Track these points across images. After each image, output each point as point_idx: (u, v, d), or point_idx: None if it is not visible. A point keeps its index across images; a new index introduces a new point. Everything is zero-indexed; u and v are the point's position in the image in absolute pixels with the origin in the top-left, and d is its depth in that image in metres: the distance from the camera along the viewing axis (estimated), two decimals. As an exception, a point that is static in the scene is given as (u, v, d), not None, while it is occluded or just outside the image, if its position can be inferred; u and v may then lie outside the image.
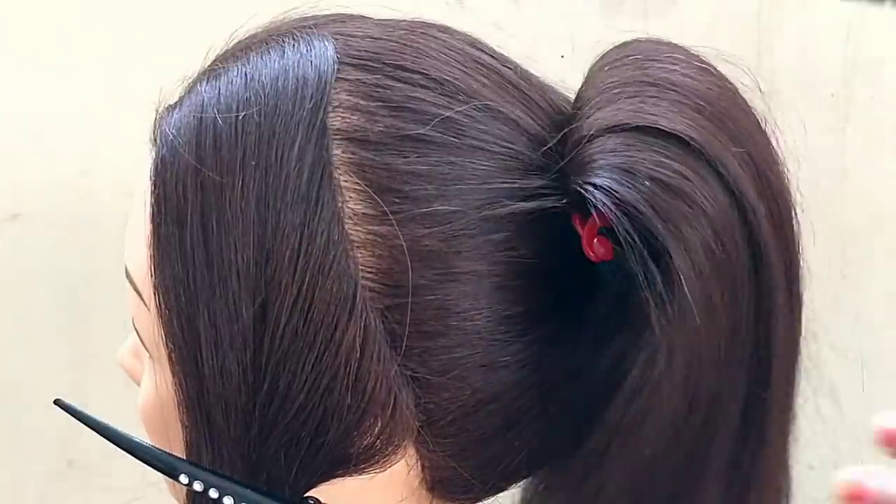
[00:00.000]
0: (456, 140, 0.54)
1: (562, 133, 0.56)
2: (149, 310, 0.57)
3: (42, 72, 0.97)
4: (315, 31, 0.57)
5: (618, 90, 0.55)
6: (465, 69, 0.56)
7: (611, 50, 0.58)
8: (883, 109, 1.01)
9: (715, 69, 0.57)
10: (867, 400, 1.00)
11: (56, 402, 0.60)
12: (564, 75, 0.62)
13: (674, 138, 0.53)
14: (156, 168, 0.56)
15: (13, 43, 0.97)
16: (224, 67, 0.57)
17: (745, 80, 0.88)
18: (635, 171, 0.52)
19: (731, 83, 0.57)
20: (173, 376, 0.55)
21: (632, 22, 0.99)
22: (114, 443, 0.57)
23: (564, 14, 0.99)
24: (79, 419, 0.59)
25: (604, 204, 0.52)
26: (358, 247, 0.53)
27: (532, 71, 0.60)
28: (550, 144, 0.56)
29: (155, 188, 0.56)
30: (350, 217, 0.53)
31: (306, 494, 0.55)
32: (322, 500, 0.56)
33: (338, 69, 0.55)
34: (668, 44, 0.57)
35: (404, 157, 0.53)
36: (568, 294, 0.56)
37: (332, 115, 0.54)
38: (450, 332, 0.54)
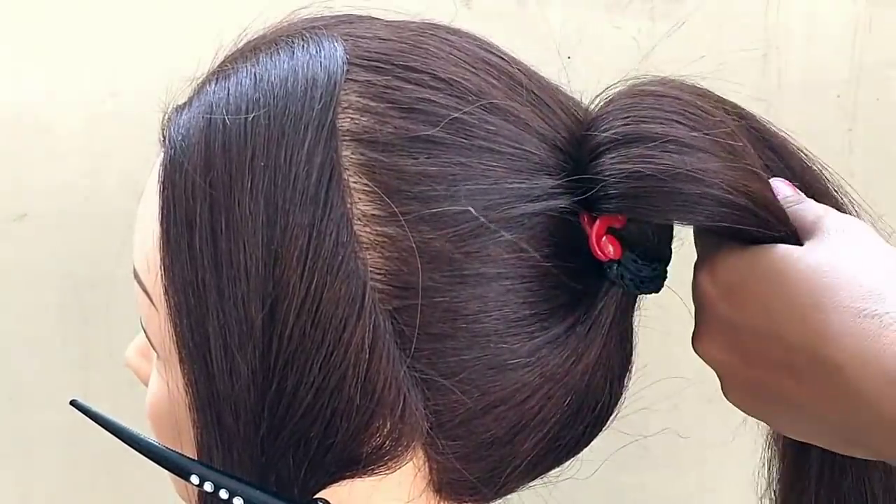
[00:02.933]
0: (465, 141, 0.54)
1: (573, 134, 0.56)
2: (157, 310, 0.57)
3: (49, 72, 0.97)
4: (324, 31, 0.57)
5: (636, 103, 0.56)
6: (474, 70, 0.56)
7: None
8: (889, 111, 1.01)
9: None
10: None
11: (72, 402, 0.60)
12: (570, 76, 0.62)
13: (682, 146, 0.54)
14: (165, 169, 0.56)
15: (20, 43, 0.97)
16: (233, 68, 0.57)
17: (751, 81, 0.88)
18: (647, 176, 0.53)
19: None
20: (183, 377, 0.55)
21: (638, 23, 0.99)
22: (128, 443, 0.58)
23: (570, 15, 0.98)
24: (94, 420, 0.59)
25: (617, 208, 0.53)
26: (367, 248, 0.53)
27: (538, 72, 0.60)
28: (561, 145, 0.56)
29: (164, 189, 0.56)
30: (359, 218, 0.53)
31: (316, 496, 0.55)
32: (331, 501, 0.56)
33: (347, 70, 0.55)
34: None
35: (413, 158, 0.53)
36: (577, 296, 0.56)
37: (341, 116, 0.54)
38: (458, 335, 0.54)
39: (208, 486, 0.55)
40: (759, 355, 0.55)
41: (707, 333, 0.57)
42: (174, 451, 0.57)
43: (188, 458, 0.56)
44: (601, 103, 0.58)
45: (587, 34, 0.97)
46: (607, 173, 0.55)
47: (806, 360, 0.53)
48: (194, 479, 0.55)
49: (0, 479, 1.04)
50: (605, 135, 0.55)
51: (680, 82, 0.58)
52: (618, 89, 0.58)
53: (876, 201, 0.91)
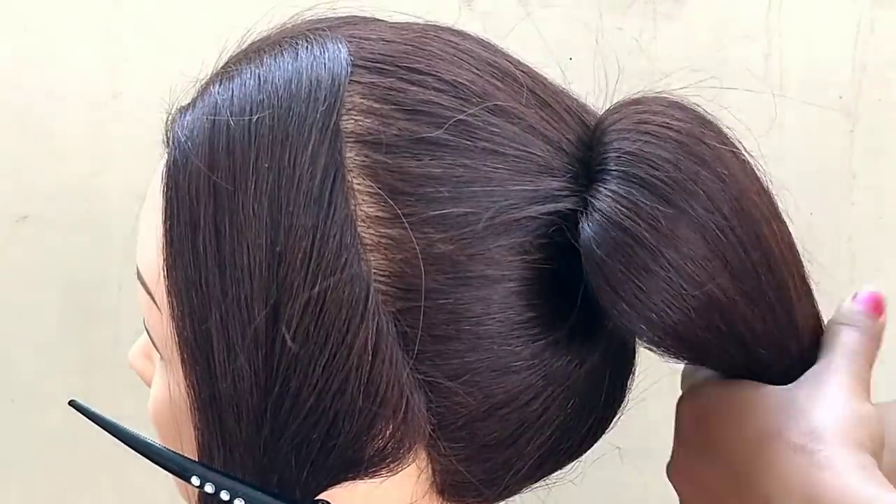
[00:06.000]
0: (469, 143, 0.54)
1: (579, 137, 0.56)
2: (160, 311, 0.57)
3: (51, 73, 0.97)
4: (328, 33, 0.57)
5: (673, 141, 0.55)
6: (478, 72, 0.56)
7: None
8: (891, 112, 1.01)
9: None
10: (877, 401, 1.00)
11: (71, 402, 0.60)
12: (572, 77, 0.62)
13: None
14: (168, 170, 0.56)
15: (22, 44, 0.97)
16: (237, 69, 0.57)
17: (753, 83, 0.88)
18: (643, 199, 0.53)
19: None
20: (185, 378, 0.55)
21: (640, 24, 0.99)
22: (127, 444, 0.58)
23: (572, 16, 0.98)
24: (93, 420, 0.59)
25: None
26: (370, 250, 0.53)
27: (541, 73, 0.60)
28: (566, 147, 0.56)
29: (167, 190, 0.56)
30: (363, 220, 0.53)
31: (317, 497, 0.55)
32: (333, 503, 0.56)
33: (351, 72, 0.55)
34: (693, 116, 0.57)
35: (418, 160, 0.53)
36: (580, 298, 0.56)
37: (345, 117, 0.54)
38: (462, 337, 0.54)
39: (209, 488, 0.55)
40: (711, 488, 0.57)
41: (674, 461, 0.60)
42: (174, 452, 0.57)
43: (189, 459, 0.56)
44: (636, 109, 0.56)
45: (589, 35, 0.97)
46: (601, 212, 0.54)
47: (744, 491, 0.54)
48: (195, 481, 0.56)
49: (2, 480, 1.04)
50: (611, 156, 0.54)
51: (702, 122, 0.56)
52: (628, 99, 0.57)
53: (877, 202, 0.91)
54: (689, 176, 0.54)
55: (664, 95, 0.57)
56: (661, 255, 0.53)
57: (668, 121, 0.55)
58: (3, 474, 1.04)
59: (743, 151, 0.57)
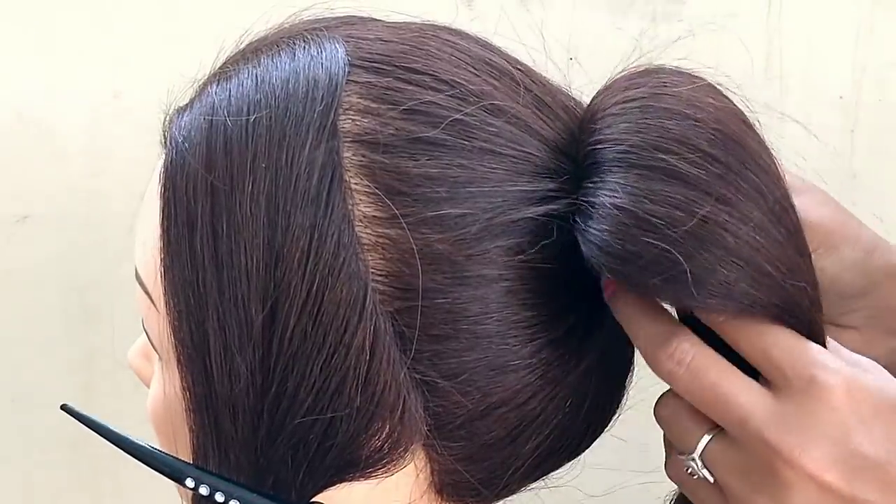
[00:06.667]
0: (467, 143, 0.54)
1: (574, 136, 0.56)
2: (158, 311, 0.57)
3: (51, 73, 0.97)
4: (326, 33, 0.57)
5: (635, 108, 0.54)
6: (476, 71, 0.56)
7: (629, 72, 0.57)
8: (891, 112, 1.01)
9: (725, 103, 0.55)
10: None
11: (62, 407, 0.60)
12: (572, 77, 0.62)
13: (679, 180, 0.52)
14: (166, 170, 0.56)
15: (22, 44, 0.97)
16: (235, 70, 0.57)
17: (753, 83, 0.88)
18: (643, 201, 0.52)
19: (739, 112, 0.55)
20: (181, 378, 0.55)
21: (640, 24, 0.99)
22: (120, 447, 0.57)
23: (572, 16, 0.99)
24: (85, 424, 0.59)
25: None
26: (368, 249, 0.53)
27: (540, 73, 0.60)
28: (562, 147, 0.56)
29: (165, 190, 0.56)
30: (360, 220, 0.53)
31: (314, 499, 0.55)
32: (329, 504, 0.56)
33: (348, 72, 0.55)
34: (687, 76, 0.56)
35: (415, 160, 0.53)
36: (578, 297, 0.56)
37: (342, 117, 0.54)
38: (460, 336, 0.54)
39: (204, 490, 0.55)
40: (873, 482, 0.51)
41: (821, 448, 0.51)
42: (168, 455, 0.57)
43: (183, 461, 0.56)
44: (601, 96, 0.56)
45: (589, 35, 0.97)
46: (598, 208, 0.53)
47: None
48: (189, 483, 0.55)
49: (3, 480, 1.04)
50: (604, 148, 0.54)
51: (694, 83, 0.55)
52: (618, 79, 0.56)
53: (878, 202, 0.91)
54: (661, 133, 0.52)
55: (627, 72, 0.56)
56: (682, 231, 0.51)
57: (628, 94, 0.54)
58: (3, 474, 1.04)
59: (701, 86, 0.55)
